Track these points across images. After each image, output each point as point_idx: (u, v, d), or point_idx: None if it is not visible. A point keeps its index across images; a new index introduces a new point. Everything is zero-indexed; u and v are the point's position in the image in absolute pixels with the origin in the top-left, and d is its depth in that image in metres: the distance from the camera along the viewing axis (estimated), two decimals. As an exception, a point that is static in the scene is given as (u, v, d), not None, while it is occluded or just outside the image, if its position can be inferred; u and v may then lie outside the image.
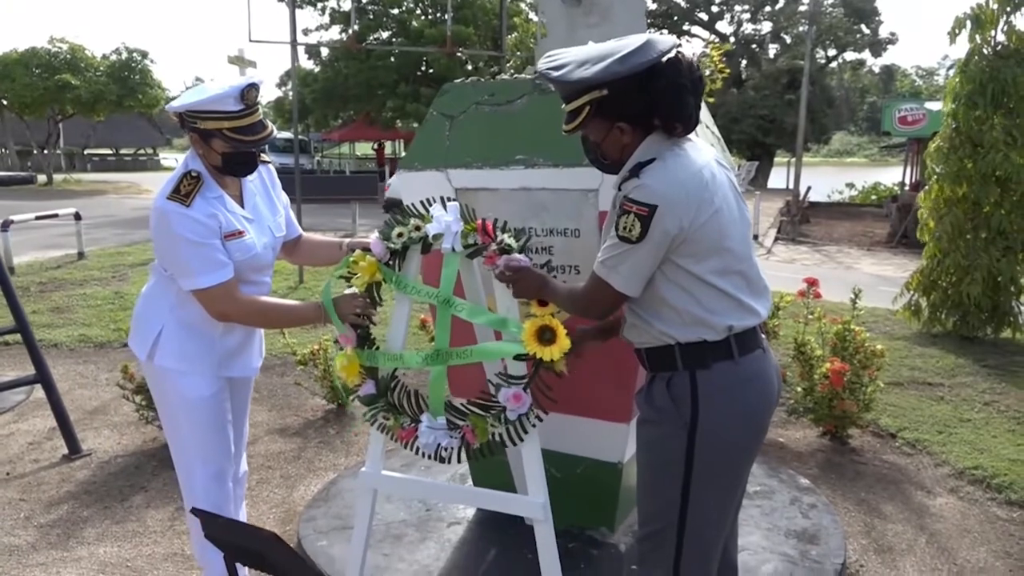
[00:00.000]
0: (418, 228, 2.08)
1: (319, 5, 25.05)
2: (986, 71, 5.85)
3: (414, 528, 2.91)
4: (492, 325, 2.09)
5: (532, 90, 2.46)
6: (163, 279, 2.16)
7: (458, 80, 2.79)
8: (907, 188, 16.91)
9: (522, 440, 2.01)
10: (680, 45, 1.65)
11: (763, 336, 1.80)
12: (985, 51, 5.98)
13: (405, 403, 2.17)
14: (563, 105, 1.72)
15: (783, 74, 29.48)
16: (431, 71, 24.02)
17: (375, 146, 27.67)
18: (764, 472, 3.41)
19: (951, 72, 6.56)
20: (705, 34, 31.45)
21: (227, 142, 2.01)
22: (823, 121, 30.39)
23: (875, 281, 9.32)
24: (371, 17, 24.15)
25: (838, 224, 17.12)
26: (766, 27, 33.15)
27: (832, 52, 32.37)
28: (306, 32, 25.65)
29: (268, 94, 27.07)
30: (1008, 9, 5.89)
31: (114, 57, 27.62)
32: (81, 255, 10.02)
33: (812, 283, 4.50)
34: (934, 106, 14.76)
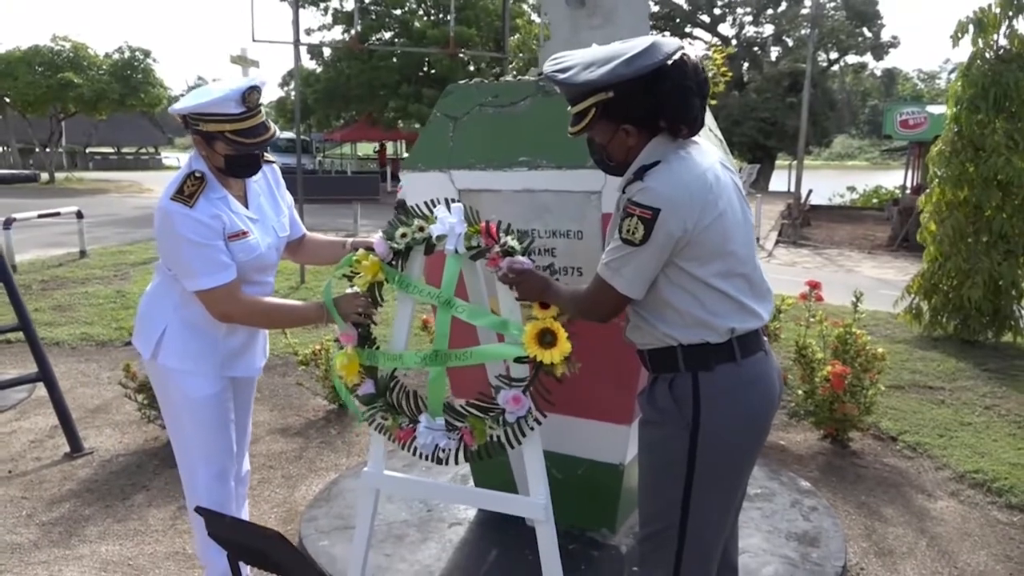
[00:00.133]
0: (422, 229, 2.09)
1: (322, 5, 25.10)
2: (988, 75, 5.86)
3: (415, 528, 2.91)
4: (492, 327, 2.10)
5: (536, 92, 2.47)
6: (167, 279, 2.17)
7: (461, 81, 2.80)
8: (908, 192, 16.90)
9: (520, 443, 2.02)
10: (685, 47, 1.65)
11: (765, 339, 1.80)
12: (987, 55, 5.98)
13: (404, 403, 2.17)
14: (569, 107, 1.73)
15: (785, 77, 29.50)
16: (433, 72, 24.05)
17: (377, 147, 27.71)
18: (765, 474, 3.41)
19: (953, 76, 6.56)
20: (707, 36, 31.47)
21: (229, 144, 2.01)
22: (825, 124, 30.42)
23: (876, 284, 9.32)
24: (374, 17, 24.19)
25: (839, 227, 17.09)
26: (768, 30, 33.24)
27: (834, 55, 32.40)
28: (309, 32, 25.74)
29: (270, 94, 27.08)
30: (1011, 13, 5.89)
31: (117, 56, 27.64)
32: (83, 253, 10.04)
33: (814, 286, 4.47)
34: (936, 110, 14.76)
